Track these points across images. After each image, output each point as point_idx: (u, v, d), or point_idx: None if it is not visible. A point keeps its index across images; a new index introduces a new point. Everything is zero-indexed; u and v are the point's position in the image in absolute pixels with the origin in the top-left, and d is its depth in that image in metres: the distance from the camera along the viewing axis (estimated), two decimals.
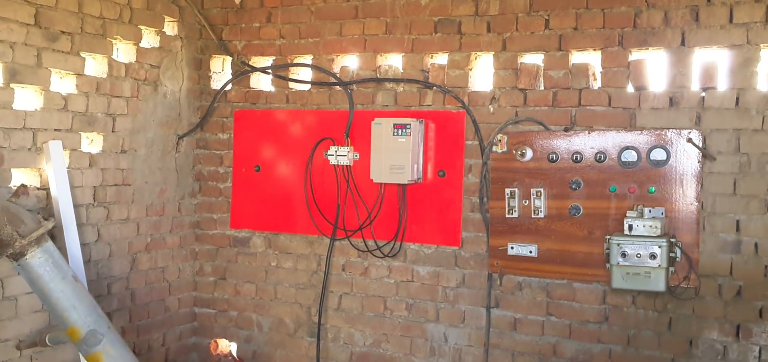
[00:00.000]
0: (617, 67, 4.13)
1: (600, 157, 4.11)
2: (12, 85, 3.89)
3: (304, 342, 5.00)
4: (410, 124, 4.40)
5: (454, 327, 4.58)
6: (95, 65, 4.43)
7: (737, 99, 3.88)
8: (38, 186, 4.06)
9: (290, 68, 4.99)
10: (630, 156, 4.05)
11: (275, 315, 5.09)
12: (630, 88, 4.11)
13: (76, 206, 4.24)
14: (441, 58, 4.58)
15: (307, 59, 4.95)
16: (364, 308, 4.83)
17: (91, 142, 4.44)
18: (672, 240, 3.87)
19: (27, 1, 3.93)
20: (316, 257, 4.95)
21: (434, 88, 4.55)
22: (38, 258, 3.49)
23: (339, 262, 4.89)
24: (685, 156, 3.95)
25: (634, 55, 4.11)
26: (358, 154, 4.75)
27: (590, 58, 4.22)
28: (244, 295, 5.18)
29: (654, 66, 4.08)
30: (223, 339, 5.20)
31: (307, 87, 4.95)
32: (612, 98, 4.14)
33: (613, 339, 4.20)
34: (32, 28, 3.97)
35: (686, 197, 3.95)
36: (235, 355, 5.13)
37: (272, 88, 5.08)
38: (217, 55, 5.23)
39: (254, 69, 5.09)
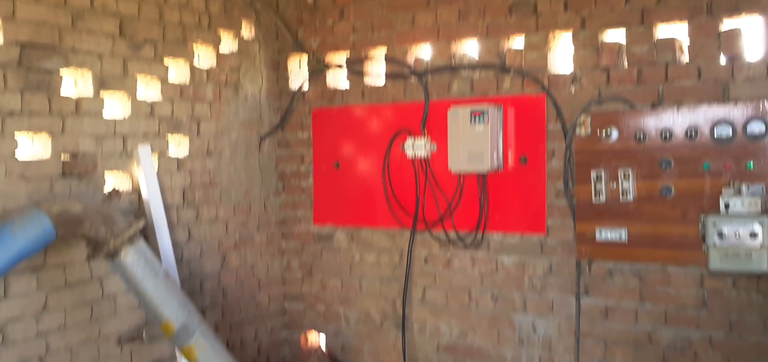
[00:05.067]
0: (706, 38, 3.90)
1: (691, 133, 3.90)
2: (102, 94, 4.08)
3: (390, 335, 5.00)
4: (487, 111, 4.32)
5: (542, 316, 4.47)
6: (178, 71, 4.59)
7: None
8: (130, 189, 4.24)
9: (365, 63, 5.01)
10: (724, 131, 3.82)
11: (361, 309, 5.12)
12: (722, 60, 3.88)
13: (166, 207, 4.40)
14: (517, 41, 4.47)
15: (381, 52, 4.95)
16: (448, 300, 4.79)
17: (178, 146, 4.60)
18: None
19: (111, 12, 4.11)
20: (398, 250, 4.95)
21: (512, 72, 4.45)
22: (131, 257, 3.65)
23: (421, 255, 4.87)
24: None
25: (726, 23, 3.87)
26: (435, 145, 4.71)
27: (676, 31, 4.02)
28: (331, 290, 5.24)
29: (748, 33, 3.83)
30: (313, 333, 5.29)
31: (381, 81, 4.96)
32: (702, 71, 3.93)
33: (713, 325, 3.99)
34: (117, 39, 4.15)
35: None
36: (324, 348, 5.21)
37: (348, 84, 5.12)
38: (293, 55, 5.32)
39: (330, 66, 5.14)
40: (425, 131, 4.72)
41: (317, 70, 5.19)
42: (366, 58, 5.00)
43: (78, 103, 3.95)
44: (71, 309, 3.91)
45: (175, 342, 3.82)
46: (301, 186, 5.34)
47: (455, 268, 4.75)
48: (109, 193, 3.93)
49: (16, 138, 3.65)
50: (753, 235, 3.58)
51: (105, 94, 4.10)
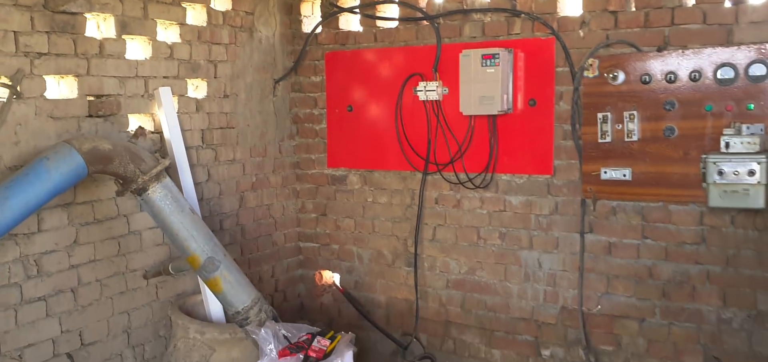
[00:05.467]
0: None
1: (695, 76, 4.03)
2: (123, 37, 4.20)
3: (402, 272, 5.21)
4: (499, 54, 4.43)
5: (547, 253, 4.66)
6: (195, 14, 4.69)
7: None
8: (152, 130, 4.39)
9: (377, 6, 5.09)
10: (727, 73, 3.95)
11: (374, 248, 5.31)
12: (727, 3, 3.98)
13: (186, 148, 4.55)
14: None
15: None
16: (458, 238, 4.97)
17: (196, 88, 4.74)
18: None
19: None
20: (410, 191, 5.12)
21: (522, 15, 4.55)
22: (159, 193, 3.81)
23: (432, 196, 5.04)
24: None
25: None
26: (446, 89, 4.84)
27: None
28: (344, 230, 5.43)
29: None
30: (327, 271, 5.48)
31: (394, 24, 5.05)
32: (707, 15, 4.03)
33: (711, 260, 4.17)
34: None
35: None
36: (338, 285, 5.41)
37: (360, 28, 5.21)
38: None
39: (342, 10, 5.23)
40: (437, 74, 4.84)
41: (330, 14, 5.29)
42: (379, 1, 5.08)
43: (101, 45, 4.07)
44: (100, 244, 4.10)
45: (201, 275, 4.02)
46: (314, 129, 5.49)
47: (464, 208, 4.92)
48: (136, 132, 4.08)
49: (44, 78, 3.79)
50: (751, 173, 3.74)
51: (126, 37, 4.22)
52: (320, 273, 5.50)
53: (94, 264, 4.08)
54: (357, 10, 5.18)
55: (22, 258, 3.73)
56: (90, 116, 4.01)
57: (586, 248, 4.51)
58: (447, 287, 5.05)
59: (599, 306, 4.51)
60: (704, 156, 3.88)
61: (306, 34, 5.40)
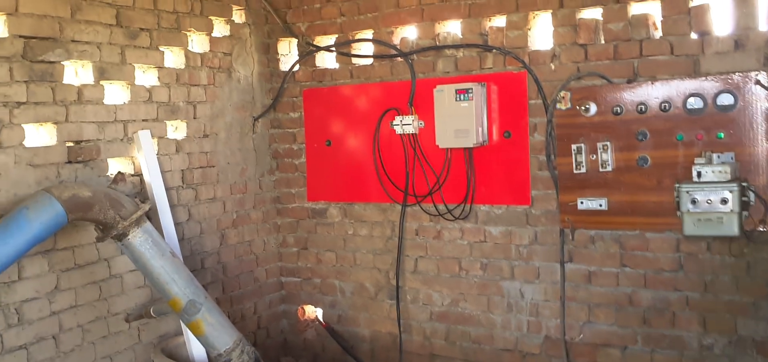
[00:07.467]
0: (678, 14, 4.10)
1: (665, 106, 4.11)
2: (101, 82, 4.24)
3: (385, 305, 5.23)
4: (472, 89, 4.50)
5: (529, 283, 4.70)
6: (173, 57, 4.75)
7: None
8: (132, 173, 4.41)
9: (352, 44, 5.18)
10: (696, 103, 4.03)
11: (356, 281, 5.34)
12: (693, 35, 4.08)
13: (167, 189, 4.58)
14: (499, 20, 4.65)
15: (368, 34, 5.11)
16: (439, 269, 5.00)
17: (176, 129, 4.77)
18: (744, 184, 3.82)
19: (108, 3, 4.25)
20: (390, 223, 5.15)
21: (494, 50, 4.63)
22: (139, 238, 3.83)
23: (412, 227, 5.08)
24: (753, 98, 3.89)
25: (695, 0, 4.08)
26: (423, 122, 4.90)
27: (649, 8, 4.20)
28: (326, 263, 5.45)
29: (717, 9, 4.03)
30: (310, 306, 5.51)
31: (369, 61, 5.13)
32: (674, 46, 4.12)
33: (689, 286, 4.21)
34: (114, 28, 4.29)
35: (757, 140, 3.91)
36: (321, 320, 5.43)
37: (337, 65, 5.28)
38: (283, 38, 5.48)
39: (318, 48, 5.30)
40: (413, 108, 4.91)
41: (306, 52, 5.35)
42: (353, 39, 5.16)
43: (80, 91, 4.10)
44: (81, 289, 4.10)
45: (182, 318, 4.02)
46: (294, 164, 5.53)
47: (445, 239, 4.97)
48: (115, 178, 4.10)
49: (23, 127, 3.81)
50: (724, 201, 3.78)
51: (105, 83, 4.26)
52: (303, 308, 5.52)
53: (76, 310, 4.07)
54: (333, 49, 5.26)
55: (2, 307, 3.73)
56: (69, 162, 4.03)
57: (566, 277, 4.56)
58: (431, 319, 5.07)
59: (582, 335, 4.55)
60: (677, 184, 3.92)
61: (283, 72, 5.47)
